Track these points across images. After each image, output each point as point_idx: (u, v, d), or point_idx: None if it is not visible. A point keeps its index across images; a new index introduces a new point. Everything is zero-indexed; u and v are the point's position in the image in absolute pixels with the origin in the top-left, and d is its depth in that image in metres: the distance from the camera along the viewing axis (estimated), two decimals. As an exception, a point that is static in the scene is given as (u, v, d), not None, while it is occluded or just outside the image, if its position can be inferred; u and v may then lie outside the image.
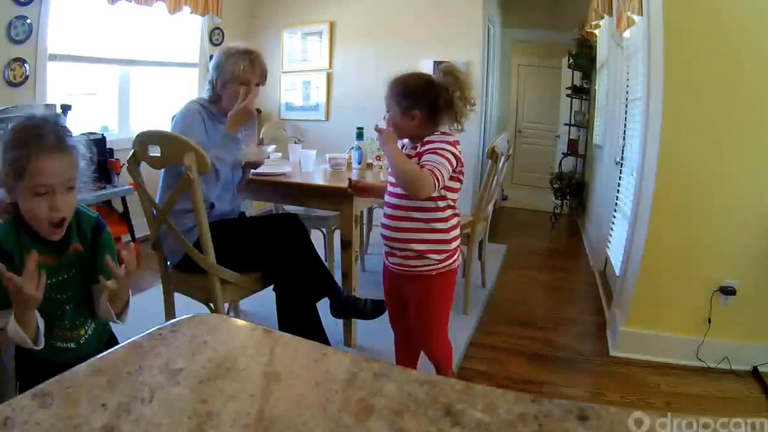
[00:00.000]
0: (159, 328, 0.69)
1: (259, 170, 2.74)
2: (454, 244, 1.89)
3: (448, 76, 1.80)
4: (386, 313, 2.27)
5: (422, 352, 2.14)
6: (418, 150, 1.78)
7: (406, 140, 1.91)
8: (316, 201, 2.71)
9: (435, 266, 1.86)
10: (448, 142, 1.77)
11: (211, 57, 2.37)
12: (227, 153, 2.22)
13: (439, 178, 1.70)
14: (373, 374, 0.60)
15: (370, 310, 2.39)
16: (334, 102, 5.66)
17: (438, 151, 1.74)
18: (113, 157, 4.17)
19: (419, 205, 1.80)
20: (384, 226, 1.90)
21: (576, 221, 6.15)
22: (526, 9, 6.82)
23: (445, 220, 1.85)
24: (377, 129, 1.81)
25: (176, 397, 0.55)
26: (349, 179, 2.20)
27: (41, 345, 1.33)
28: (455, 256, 1.92)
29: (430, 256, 1.84)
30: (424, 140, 1.79)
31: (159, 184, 2.26)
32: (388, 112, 1.86)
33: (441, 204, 1.82)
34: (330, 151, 3.28)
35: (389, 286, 2.07)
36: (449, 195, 1.83)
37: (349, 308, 2.40)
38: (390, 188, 1.91)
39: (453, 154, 1.76)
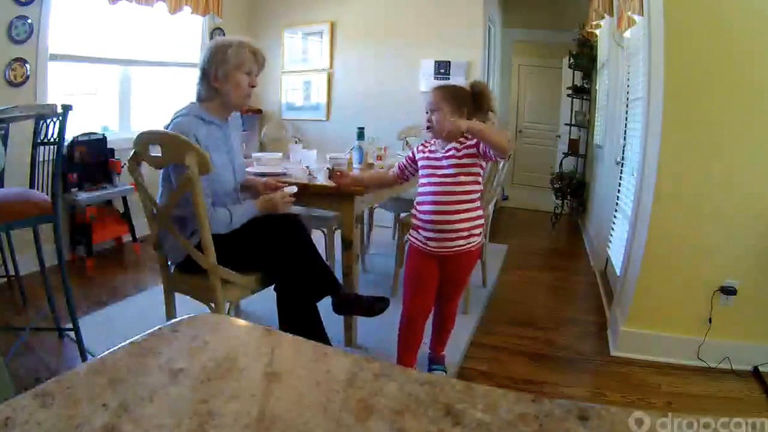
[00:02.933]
0: (159, 328, 0.69)
1: (259, 170, 2.74)
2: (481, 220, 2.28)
3: (486, 88, 2.25)
4: (386, 311, 2.37)
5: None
6: (466, 143, 2.13)
7: (428, 149, 2.26)
8: (317, 201, 2.71)
9: (477, 243, 2.25)
10: None
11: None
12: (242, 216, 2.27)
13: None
14: (374, 374, 0.60)
15: (373, 306, 2.39)
16: (335, 102, 5.66)
17: None
18: (114, 157, 4.18)
19: (468, 189, 2.16)
20: (437, 212, 2.17)
21: (576, 221, 6.15)
22: (526, 9, 6.82)
23: (480, 199, 2.25)
24: (442, 126, 2.09)
25: (177, 396, 0.55)
26: (328, 168, 2.54)
27: None
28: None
29: (476, 231, 2.23)
30: (466, 137, 2.14)
31: (159, 184, 2.24)
32: (432, 111, 2.16)
33: (479, 187, 2.22)
34: (331, 150, 3.28)
35: (424, 266, 2.30)
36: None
37: (351, 305, 2.40)
38: (435, 179, 2.19)
39: None
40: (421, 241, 2.25)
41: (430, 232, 2.20)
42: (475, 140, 2.09)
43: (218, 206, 2.19)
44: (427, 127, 2.20)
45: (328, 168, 2.47)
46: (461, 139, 2.14)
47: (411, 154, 2.36)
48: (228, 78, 2.21)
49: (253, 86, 2.29)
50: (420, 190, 2.25)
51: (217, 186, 2.19)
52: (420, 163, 2.27)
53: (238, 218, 2.22)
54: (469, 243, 2.21)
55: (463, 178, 2.14)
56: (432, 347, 2.54)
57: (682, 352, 2.67)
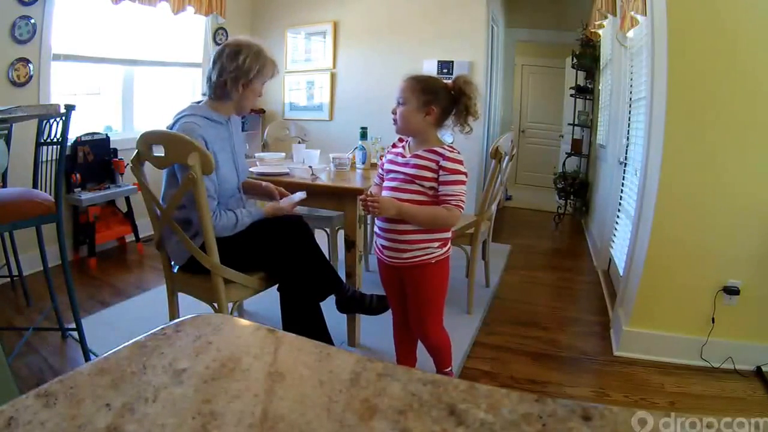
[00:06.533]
0: (163, 328, 0.69)
1: (262, 170, 2.74)
2: (449, 233, 2.05)
3: (468, 86, 1.93)
4: (389, 311, 2.34)
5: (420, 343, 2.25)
6: (437, 166, 1.88)
7: (396, 150, 2.05)
8: (320, 201, 2.71)
9: (434, 254, 1.99)
10: (461, 164, 1.90)
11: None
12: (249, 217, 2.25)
13: (463, 205, 1.89)
14: (377, 374, 0.60)
15: (376, 305, 2.40)
16: (338, 102, 5.66)
17: (458, 180, 1.88)
18: (117, 157, 4.19)
19: (420, 199, 1.92)
20: (383, 220, 1.99)
21: (579, 221, 6.15)
22: (530, 9, 6.81)
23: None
24: (374, 202, 1.85)
25: (180, 396, 0.55)
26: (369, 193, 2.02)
27: None
28: (449, 244, 2.06)
29: (430, 245, 1.97)
30: (443, 155, 1.88)
31: (162, 184, 2.24)
32: (401, 104, 1.94)
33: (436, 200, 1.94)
34: (334, 150, 3.28)
35: (387, 277, 2.17)
36: None
37: (354, 304, 2.41)
38: (387, 183, 2.02)
39: (466, 174, 1.91)
40: (378, 249, 2.09)
41: (384, 240, 2.02)
42: (444, 172, 1.88)
43: (222, 207, 2.19)
44: (393, 120, 1.99)
45: (369, 192, 2.05)
46: (436, 148, 1.91)
47: (380, 161, 2.17)
48: (251, 85, 2.23)
49: (260, 95, 2.32)
50: (383, 193, 2.05)
51: (222, 186, 2.19)
52: (385, 167, 2.07)
53: (243, 222, 2.22)
54: (426, 254, 1.98)
55: (418, 188, 1.92)
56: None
57: (685, 352, 2.67)
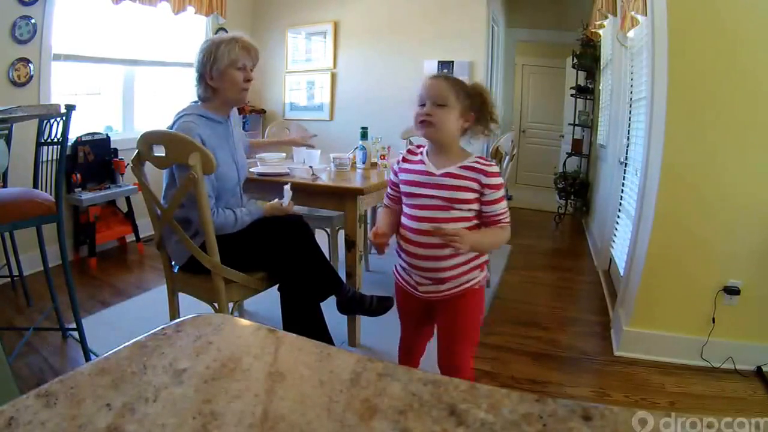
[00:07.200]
0: (163, 328, 0.69)
1: (263, 170, 2.74)
2: (487, 254, 1.85)
3: (487, 92, 1.75)
4: (390, 311, 2.33)
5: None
6: (479, 186, 1.66)
7: (412, 167, 1.76)
8: (320, 201, 2.71)
9: (475, 279, 1.78)
10: (500, 176, 1.71)
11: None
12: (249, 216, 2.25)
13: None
14: (378, 374, 0.60)
15: (376, 307, 2.40)
16: (339, 102, 5.66)
17: (503, 196, 1.70)
18: (117, 157, 4.19)
19: (463, 225, 1.67)
20: (420, 257, 1.72)
21: (580, 221, 6.14)
22: (530, 9, 6.82)
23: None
24: (450, 235, 1.59)
25: (180, 396, 0.55)
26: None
27: None
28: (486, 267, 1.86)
29: (473, 273, 1.76)
30: (484, 171, 1.66)
31: (163, 184, 2.25)
32: (440, 106, 1.65)
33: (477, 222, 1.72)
34: (334, 150, 3.28)
35: (408, 306, 1.91)
36: None
37: (355, 305, 2.41)
38: (411, 210, 1.73)
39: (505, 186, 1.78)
40: (405, 281, 1.82)
41: (420, 277, 1.75)
42: (490, 190, 1.66)
43: (221, 206, 2.19)
44: (421, 122, 1.67)
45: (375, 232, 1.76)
46: (472, 164, 1.67)
47: (392, 178, 1.86)
48: (223, 76, 2.20)
49: (249, 80, 2.26)
50: (404, 221, 1.76)
51: (221, 183, 2.19)
52: (403, 188, 1.76)
53: (243, 221, 2.21)
54: (469, 279, 1.76)
55: (458, 213, 1.68)
56: None
57: (686, 352, 2.67)
